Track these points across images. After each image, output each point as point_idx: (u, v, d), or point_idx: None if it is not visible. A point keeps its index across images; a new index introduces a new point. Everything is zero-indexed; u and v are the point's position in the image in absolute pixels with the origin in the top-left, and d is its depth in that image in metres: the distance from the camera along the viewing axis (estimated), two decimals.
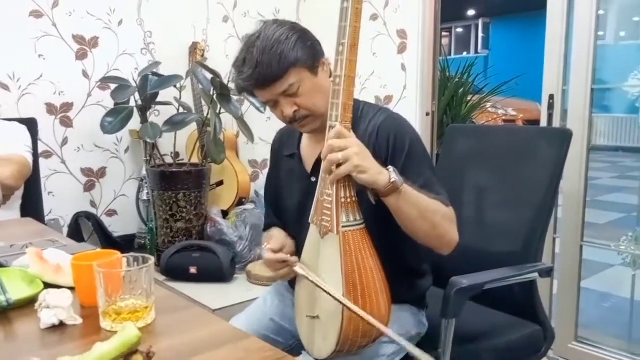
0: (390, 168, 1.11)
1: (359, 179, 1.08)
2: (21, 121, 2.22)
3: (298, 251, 1.24)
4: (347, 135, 1.09)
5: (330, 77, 1.25)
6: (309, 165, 1.33)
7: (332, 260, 1.10)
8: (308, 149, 1.36)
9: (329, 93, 1.14)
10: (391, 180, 1.08)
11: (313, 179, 1.26)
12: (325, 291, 1.09)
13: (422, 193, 1.15)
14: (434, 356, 1.30)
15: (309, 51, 1.21)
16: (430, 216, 1.15)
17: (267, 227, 1.49)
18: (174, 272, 2.65)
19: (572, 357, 2.31)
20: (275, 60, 1.17)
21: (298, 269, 1.18)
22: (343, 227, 1.10)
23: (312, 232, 1.18)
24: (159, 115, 3.01)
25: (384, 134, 1.23)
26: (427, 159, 1.27)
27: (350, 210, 1.11)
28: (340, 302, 1.06)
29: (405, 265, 1.27)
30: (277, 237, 1.34)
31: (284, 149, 1.43)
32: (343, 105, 1.10)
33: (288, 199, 1.41)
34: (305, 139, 1.37)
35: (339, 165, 1.07)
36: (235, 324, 1.33)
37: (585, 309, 2.42)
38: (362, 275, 1.10)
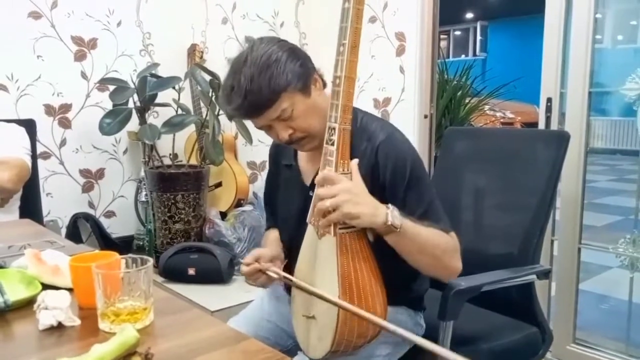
0: (390, 207, 1.09)
1: (351, 224, 1.08)
2: (19, 122, 2.22)
3: (296, 258, 1.24)
4: (335, 180, 1.07)
5: (324, 87, 1.24)
6: (307, 178, 1.31)
7: (329, 261, 1.10)
8: (306, 161, 1.34)
9: (325, 110, 1.12)
10: (387, 223, 1.07)
11: (311, 194, 1.22)
12: (306, 290, 1.10)
13: (422, 222, 1.14)
14: (430, 358, 1.31)
15: (299, 71, 1.16)
16: (430, 250, 1.14)
17: (268, 228, 1.51)
18: (173, 273, 2.65)
19: (570, 359, 2.32)
20: (265, 87, 1.12)
21: (271, 273, 1.22)
22: (340, 229, 1.10)
23: (310, 233, 1.18)
24: (157, 117, 3.01)
25: (382, 157, 1.19)
26: (428, 184, 1.23)
27: None
28: (324, 299, 1.06)
29: (403, 267, 1.27)
30: (270, 243, 1.40)
31: (282, 157, 1.41)
32: (342, 106, 1.09)
33: (285, 208, 1.40)
34: None
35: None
36: (233, 325, 1.32)
37: (583, 311, 2.42)
38: (357, 277, 1.10)
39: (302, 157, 1.35)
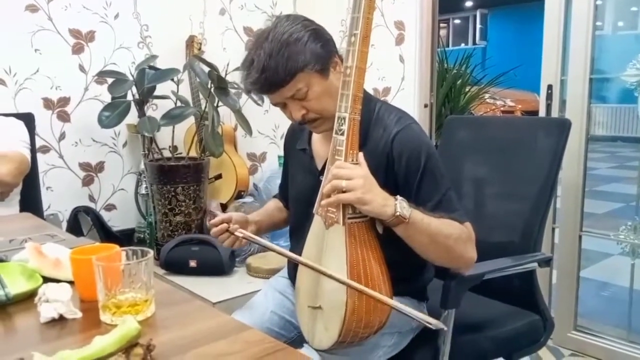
0: (398, 198, 1.10)
1: (361, 210, 1.08)
2: (18, 116, 2.21)
3: (302, 243, 1.24)
4: (349, 166, 1.09)
5: None
6: (319, 163, 1.32)
7: (337, 251, 1.10)
8: (319, 145, 1.35)
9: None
10: (396, 214, 1.08)
11: (322, 178, 1.23)
12: (289, 257, 1.15)
13: (435, 213, 1.14)
14: (433, 347, 1.31)
15: (319, 53, 1.17)
16: (442, 240, 1.14)
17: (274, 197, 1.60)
18: (174, 266, 2.65)
19: (572, 346, 2.33)
20: (282, 65, 1.14)
21: (238, 233, 1.27)
22: (349, 218, 1.10)
23: (317, 223, 1.18)
24: (156, 109, 3.00)
25: (397, 149, 1.20)
26: (442, 174, 1.22)
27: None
28: (312, 267, 1.11)
29: (409, 258, 1.27)
30: (261, 210, 1.53)
31: (296, 142, 1.42)
32: (353, 96, 1.09)
33: (295, 191, 1.42)
34: (316, 134, 1.36)
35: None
36: (237, 317, 1.33)
37: (584, 298, 2.43)
38: (366, 266, 1.10)
39: (316, 141, 1.36)
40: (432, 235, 1.13)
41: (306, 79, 1.17)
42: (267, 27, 1.20)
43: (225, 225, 1.30)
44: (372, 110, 1.25)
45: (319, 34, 1.20)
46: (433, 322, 1.04)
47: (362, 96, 1.12)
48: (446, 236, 1.14)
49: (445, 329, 1.09)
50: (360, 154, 1.12)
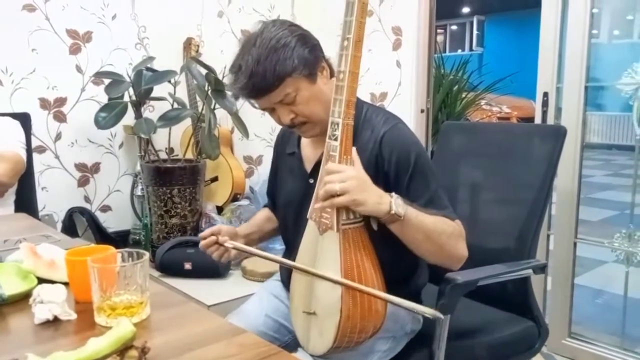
0: (394, 196, 1.10)
1: (356, 210, 1.09)
2: (14, 116, 2.21)
3: (295, 248, 1.24)
4: (341, 169, 1.09)
5: (331, 77, 1.23)
6: (308, 166, 1.32)
7: (331, 257, 1.10)
8: (308, 149, 1.34)
9: (329, 98, 1.13)
10: (391, 212, 1.08)
11: (311, 181, 1.24)
12: (280, 262, 1.16)
13: (426, 211, 1.15)
14: (427, 352, 1.31)
15: (307, 58, 1.17)
16: (436, 237, 1.15)
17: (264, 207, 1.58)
18: (169, 268, 2.65)
19: (566, 353, 2.33)
20: (270, 71, 1.13)
21: (228, 244, 1.28)
22: (343, 224, 1.10)
23: (310, 229, 1.18)
24: (153, 111, 3.00)
25: (386, 148, 1.20)
26: (432, 172, 1.23)
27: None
28: (302, 269, 1.11)
29: (402, 262, 1.27)
30: (250, 221, 1.52)
31: (286, 146, 1.42)
32: (346, 101, 1.09)
33: (285, 197, 1.41)
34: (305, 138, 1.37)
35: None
36: (231, 320, 1.32)
37: (578, 305, 2.43)
38: (360, 272, 1.10)
39: (305, 144, 1.36)
40: (427, 232, 1.13)
41: (294, 84, 1.17)
42: (254, 32, 1.20)
43: (213, 237, 1.31)
44: (359, 113, 1.25)
45: (306, 39, 1.20)
46: (429, 312, 1.04)
47: (355, 101, 1.11)
48: (440, 233, 1.15)
49: (442, 317, 1.09)
50: (353, 149, 1.12)
